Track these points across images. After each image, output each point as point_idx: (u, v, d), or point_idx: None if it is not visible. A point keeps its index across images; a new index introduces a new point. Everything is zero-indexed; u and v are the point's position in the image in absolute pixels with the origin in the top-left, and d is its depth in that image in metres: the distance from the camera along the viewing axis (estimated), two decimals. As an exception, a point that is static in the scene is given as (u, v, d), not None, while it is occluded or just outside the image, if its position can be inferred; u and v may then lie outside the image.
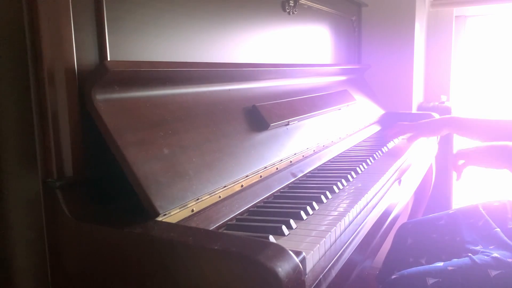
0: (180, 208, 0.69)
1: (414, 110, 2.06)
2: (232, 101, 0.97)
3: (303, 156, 1.12)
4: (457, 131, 1.34)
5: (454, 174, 1.24)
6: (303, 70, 1.36)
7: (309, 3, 1.46)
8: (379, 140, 1.55)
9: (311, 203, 0.84)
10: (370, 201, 0.94)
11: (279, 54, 1.29)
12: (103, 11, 0.72)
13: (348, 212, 0.82)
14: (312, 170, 1.12)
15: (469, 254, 0.98)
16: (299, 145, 1.11)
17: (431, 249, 1.17)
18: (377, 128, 1.76)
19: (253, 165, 0.89)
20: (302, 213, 0.80)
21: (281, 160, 1.00)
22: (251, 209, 0.85)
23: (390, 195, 1.04)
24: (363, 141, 1.54)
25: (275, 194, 0.94)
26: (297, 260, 0.54)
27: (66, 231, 0.66)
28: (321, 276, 0.65)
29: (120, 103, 0.71)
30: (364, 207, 0.90)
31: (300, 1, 1.37)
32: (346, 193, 0.95)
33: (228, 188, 0.80)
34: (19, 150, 0.69)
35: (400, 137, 1.58)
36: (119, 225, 0.62)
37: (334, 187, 0.96)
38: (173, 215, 0.68)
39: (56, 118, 0.66)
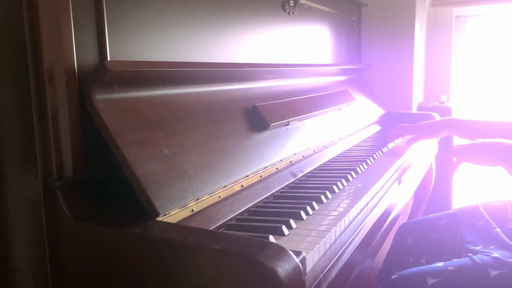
0: (180, 208, 0.69)
1: (414, 110, 2.06)
2: (232, 101, 0.97)
3: (303, 156, 1.12)
4: (457, 133, 1.34)
5: (454, 175, 1.24)
6: (303, 70, 1.36)
7: (309, 3, 1.46)
8: (379, 140, 1.55)
9: (311, 203, 0.84)
10: (370, 201, 0.94)
11: (279, 54, 1.29)
12: (103, 11, 0.72)
13: (348, 212, 0.82)
14: (312, 170, 1.12)
15: (469, 254, 0.98)
16: (299, 145, 1.11)
17: (431, 249, 1.17)
18: (377, 128, 1.76)
19: (253, 165, 0.89)
20: (302, 213, 0.80)
21: (281, 160, 1.00)
22: (251, 209, 0.85)
23: (390, 195, 1.04)
24: (363, 141, 1.54)
25: (275, 194, 0.94)
26: (297, 260, 0.54)
27: (66, 231, 0.66)
28: (321, 276, 0.65)
29: (120, 103, 0.71)
30: (364, 207, 0.90)
31: (300, 1, 1.37)
32: (346, 193, 0.94)
33: (228, 188, 0.80)
34: (19, 150, 0.69)
35: (400, 138, 1.58)
36: (119, 225, 0.62)
37: (334, 187, 0.96)
38: (173, 215, 0.68)
39: (56, 118, 0.66)
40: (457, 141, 2.04)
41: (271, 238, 0.68)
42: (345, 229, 0.79)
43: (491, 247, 1.01)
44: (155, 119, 0.74)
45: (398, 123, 1.55)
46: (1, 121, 0.70)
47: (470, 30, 2.24)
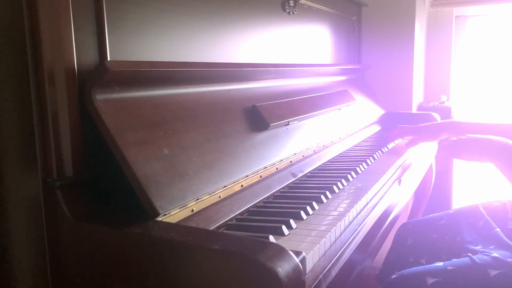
0: (180, 208, 0.69)
1: (414, 110, 2.06)
2: (232, 101, 0.97)
3: (303, 156, 1.12)
4: (457, 135, 1.34)
5: (454, 174, 1.24)
6: (303, 70, 1.36)
7: (309, 3, 1.46)
8: (379, 140, 1.55)
9: (311, 203, 0.84)
10: (370, 201, 0.94)
11: (279, 54, 1.29)
12: (103, 11, 0.72)
13: (348, 212, 0.82)
14: (312, 170, 1.12)
15: (469, 254, 0.98)
16: (299, 145, 1.11)
17: (431, 249, 1.17)
18: (377, 128, 1.76)
19: (253, 165, 0.89)
20: (302, 213, 0.80)
21: (281, 160, 1.00)
22: (251, 209, 0.85)
23: (390, 195, 1.04)
24: (363, 141, 1.54)
25: (275, 194, 0.94)
26: (297, 260, 0.54)
27: (66, 231, 0.66)
28: (321, 276, 0.65)
29: (120, 103, 0.71)
30: (364, 207, 0.90)
31: (300, 1, 1.37)
32: (346, 193, 0.95)
33: (228, 188, 0.80)
34: (19, 150, 0.69)
35: (400, 138, 1.58)
36: (119, 225, 0.62)
37: (334, 187, 0.96)
38: (173, 215, 0.68)
39: (56, 118, 0.66)
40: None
41: (271, 238, 0.68)
42: (345, 229, 0.79)
43: (491, 247, 1.01)
44: (155, 119, 0.74)
45: (398, 123, 1.55)
46: (1, 121, 0.70)
47: (470, 30, 2.24)
